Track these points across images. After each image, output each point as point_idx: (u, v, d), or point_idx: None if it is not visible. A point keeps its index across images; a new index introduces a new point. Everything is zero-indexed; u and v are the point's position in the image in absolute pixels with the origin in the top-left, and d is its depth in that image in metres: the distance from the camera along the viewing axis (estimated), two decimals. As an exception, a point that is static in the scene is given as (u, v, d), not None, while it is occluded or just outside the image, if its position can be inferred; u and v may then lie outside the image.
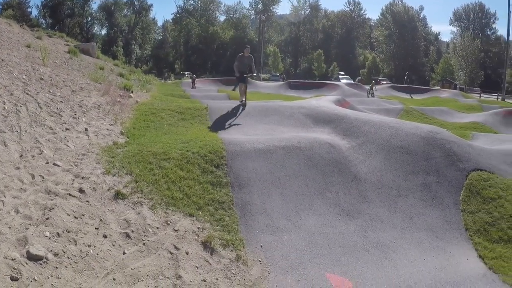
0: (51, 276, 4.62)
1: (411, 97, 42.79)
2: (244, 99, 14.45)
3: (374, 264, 6.68)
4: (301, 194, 8.10)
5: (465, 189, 8.85)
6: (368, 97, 35.46)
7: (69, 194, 6.27)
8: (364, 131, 10.68)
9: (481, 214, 8.20)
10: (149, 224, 6.20)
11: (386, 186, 8.76)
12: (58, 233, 5.29)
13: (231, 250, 6.29)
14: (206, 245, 6.21)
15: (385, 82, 61.51)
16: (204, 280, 5.53)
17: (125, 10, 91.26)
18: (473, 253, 7.32)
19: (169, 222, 6.43)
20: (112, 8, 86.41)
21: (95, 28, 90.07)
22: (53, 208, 5.71)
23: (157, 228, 6.23)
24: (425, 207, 8.35)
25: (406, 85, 54.23)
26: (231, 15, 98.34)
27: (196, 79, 40.94)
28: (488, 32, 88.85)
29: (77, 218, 5.80)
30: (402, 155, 9.64)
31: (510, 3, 51.99)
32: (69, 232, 5.42)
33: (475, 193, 8.74)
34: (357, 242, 7.16)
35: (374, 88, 38.02)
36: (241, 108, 13.74)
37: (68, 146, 8.39)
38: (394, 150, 9.80)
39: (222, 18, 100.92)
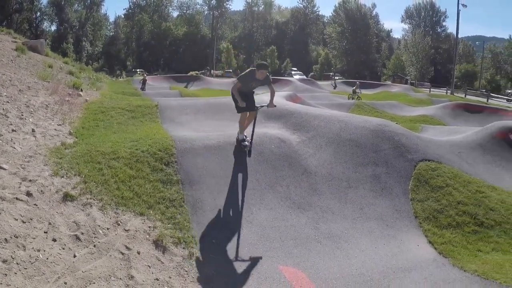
0: (1, 284, 4.48)
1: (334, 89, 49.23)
2: (248, 137, 9.08)
3: (327, 255, 6.83)
4: (252, 189, 8.19)
5: (413, 179, 9.16)
6: (353, 99, 30.71)
7: (16, 198, 6.07)
8: (314, 125, 10.87)
9: (430, 202, 8.52)
10: (99, 226, 6.10)
11: (336, 178, 8.96)
12: (6, 239, 5.13)
13: (183, 248, 6.29)
14: (158, 244, 6.18)
15: (337, 78, 63.67)
16: (157, 279, 5.51)
17: (76, 5, 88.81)
18: (423, 239, 7.60)
19: (119, 223, 6.35)
20: (63, 3, 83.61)
21: (45, 24, 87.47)
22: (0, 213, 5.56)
23: (108, 229, 6.13)
24: (375, 197, 8.61)
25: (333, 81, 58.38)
26: (184, 11, 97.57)
27: (148, 77, 38.65)
28: (439, 30, 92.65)
29: (25, 222, 5.64)
30: (351, 148, 9.88)
31: (459, 2, 54.52)
32: (17, 237, 5.26)
33: (424, 182, 9.07)
34: (309, 234, 7.30)
35: (358, 90, 33.52)
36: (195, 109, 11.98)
37: (14, 148, 8.13)
38: (344, 143, 10.02)
39: (175, 14, 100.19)
